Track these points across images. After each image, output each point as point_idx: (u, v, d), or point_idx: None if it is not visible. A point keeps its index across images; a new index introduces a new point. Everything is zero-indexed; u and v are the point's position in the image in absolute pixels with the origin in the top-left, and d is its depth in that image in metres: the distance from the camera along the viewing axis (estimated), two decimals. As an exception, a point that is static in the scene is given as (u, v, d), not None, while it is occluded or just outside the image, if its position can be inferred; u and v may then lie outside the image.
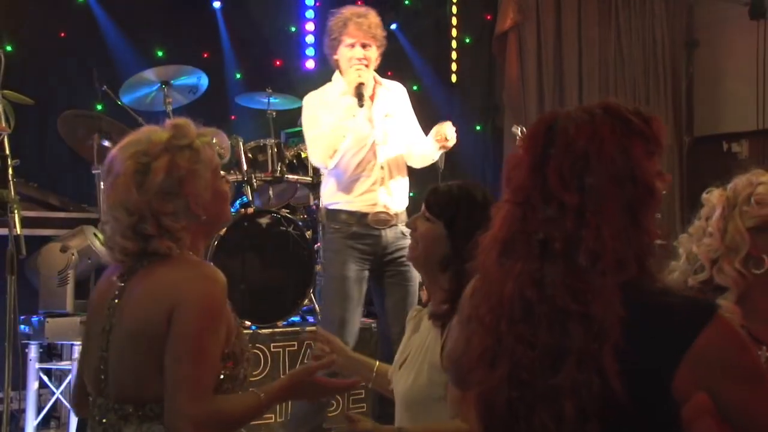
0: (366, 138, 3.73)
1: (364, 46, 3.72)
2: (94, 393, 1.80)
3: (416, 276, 3.75)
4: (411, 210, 3.90)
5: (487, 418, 1.37)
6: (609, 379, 1.25)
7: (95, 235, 4.28)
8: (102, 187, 1.87)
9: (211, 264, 1.90)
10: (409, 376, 2.14)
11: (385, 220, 3.73)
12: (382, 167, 3.76)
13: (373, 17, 3.75)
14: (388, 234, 3.75)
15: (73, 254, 4.12)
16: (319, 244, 4.96)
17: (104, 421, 1.75)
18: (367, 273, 3.74)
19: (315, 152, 3.75)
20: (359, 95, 3.63)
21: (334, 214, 3.76)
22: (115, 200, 1.75)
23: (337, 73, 3.87)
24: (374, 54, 3.77)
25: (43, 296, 4.12)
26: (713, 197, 1.85)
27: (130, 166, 1.74)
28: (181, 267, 1.76)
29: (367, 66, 3.72)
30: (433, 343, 2.10)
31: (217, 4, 5.78)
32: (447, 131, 3.69)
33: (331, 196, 3.80)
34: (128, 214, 1.73)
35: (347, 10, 3.76)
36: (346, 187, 3.73)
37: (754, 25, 6.92)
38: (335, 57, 3.80)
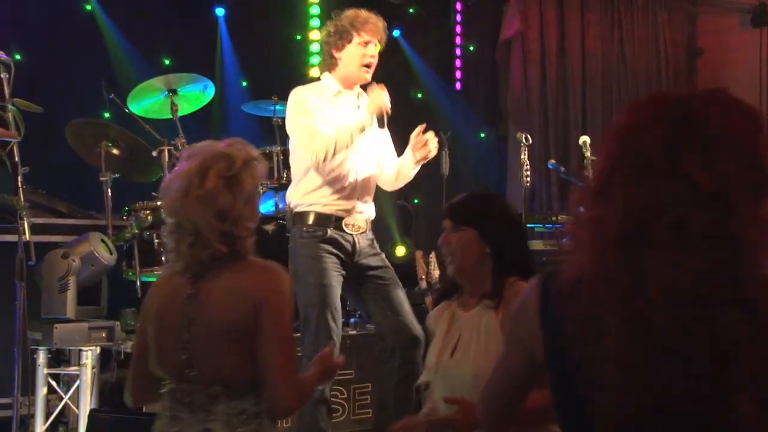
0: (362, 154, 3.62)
1: (376, 45, 3.63)
2: (176, 379, 2.01)
3: (393, 276, 3.67)
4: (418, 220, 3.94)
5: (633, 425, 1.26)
6: None
7: (103, 241, 4.30)
8: (170, 201, 2.00)
9: (277, 264, 2.10)
10: (477, 357, 2.21)
11: (359, 226, 3.62)
12: (360, 172, 3.62)
13: (384, 23, 3.68)
14: (361, 240, 3.63)
15: (74, 261, 4.13)
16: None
17: (190, 402, 1.98)
18: (342, 280, 3.57)
19: (315, 148, 3.47)
20: (381, 117, 3.48)
21: (305, 216, 3.55)
22: (204, 209, 1.96)
23: (327, 75, 3.68)
24: (377, 59, 3.68)
25: (45, 302, 4.15)
26: None
27: (217, 179, 1.97)
28: (257, 269, 2.04)
29: (370, 68, 3.62)
30: (493, 323, 2.23)
31: (220, 11, 5.82)
32: (429, 138, 3.56)
33: (302, 197, 3.59)
34: (220, 221, 1.97)
35: (362, 11, 3.65)
36: (323, 189, 3.54)
37: (757, 34, 6.96)
38: (337, 55, 3.62)
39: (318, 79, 3.79)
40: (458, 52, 6.91)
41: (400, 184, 3.81)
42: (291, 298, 2.06)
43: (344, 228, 3.55)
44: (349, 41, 3.59)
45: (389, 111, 3.49)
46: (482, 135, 6.98)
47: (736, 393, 1.20)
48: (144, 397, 2.20)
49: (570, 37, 6.92)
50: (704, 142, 1.29)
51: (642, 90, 7.08)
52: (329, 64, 3.65)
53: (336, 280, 3.51)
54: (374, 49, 3.61)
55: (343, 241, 3.56)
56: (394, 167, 3.73)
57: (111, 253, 4.29)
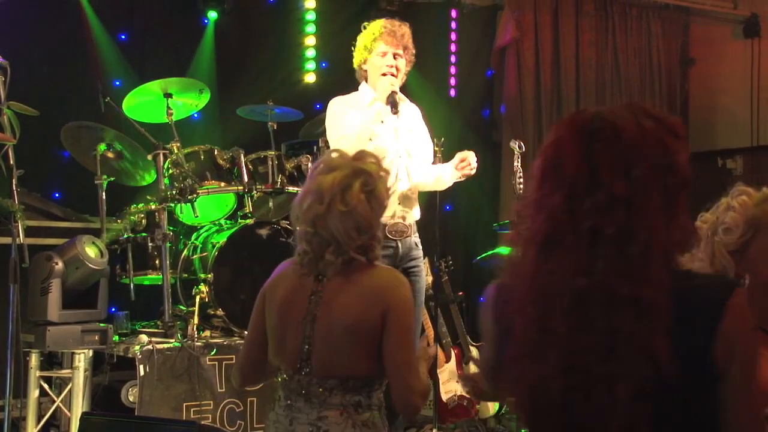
0: (388, 149, 3.72)
1: (395, 56, 3.76)
2: (293, 370, 2.14)
3: (422, 287, 3.81)
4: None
5: (540, 408, 1.43)
6: (661, 359, 1.31)
7: (95, 244, 4.29)
8: (310, 212, 2.13)
9: (398, 271, 2.33)
10: None
11: (402, 231, 3.75)
12: (400, 179, 3.75)
13: (406, 29, 3.81)
14: (403, 245, 3.76)
15: (56, 263, 4.12)
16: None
17: (307, 392, 2.11)
18: None
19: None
20: (393, 102, 3.64)
21: None
22: (347, 224, 2.08)
23: (364, 84, 3.89)
24: (403, 66, 3.82)
25: (30, 305, 4.14)
26: (701, 224, 1.94)
27: (361, 195, 2.09)
28: (383, 274, 2.19)
29: (395, 75, 3.75)
30: None
31: (212, 16, 5.83)
32: (472, 159, 3.75)
33: None
34: (360, 234, 2.10)
35: (381, 21, 3.81)
36: None
37: (749, 44, 7.02)
38: (364, 68, 3.82)
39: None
40: (453, 59, 6.93)
41: (440, 188, 4.04)
42: (412, 306, 2.20)
43: (387, 234, 3.63)
44: (369, 52, 3.77)
45: (396, 92, 3.67)
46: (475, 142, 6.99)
47: (617, 383, 1.34)
48: (251, 379, 2.38)
49: (564, 46, 6.96)
50: (617, 152, 1.40)
51: (635, 98, 7.11)
52: (361, 75, 3.87)
53: None
54: (392, 60, 3.76)
55: (386, 248, 3.67)
56: (432, 173, 3.91)
57: (102, 256, 4.27)
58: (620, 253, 1.37)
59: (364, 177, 2.11)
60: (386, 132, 3.71)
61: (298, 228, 2.18)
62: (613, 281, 1.37)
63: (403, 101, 3.86)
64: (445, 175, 3.89)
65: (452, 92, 6.95)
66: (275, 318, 2.21)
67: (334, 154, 2.19)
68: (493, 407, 4.99)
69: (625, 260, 1.37)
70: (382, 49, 3.74)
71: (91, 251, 4.22)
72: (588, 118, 1.46)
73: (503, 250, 5.83)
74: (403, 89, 6.74)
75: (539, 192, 1.47)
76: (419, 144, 3.91)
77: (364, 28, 3.83)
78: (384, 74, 3.73)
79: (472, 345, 5.18)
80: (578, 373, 1.37)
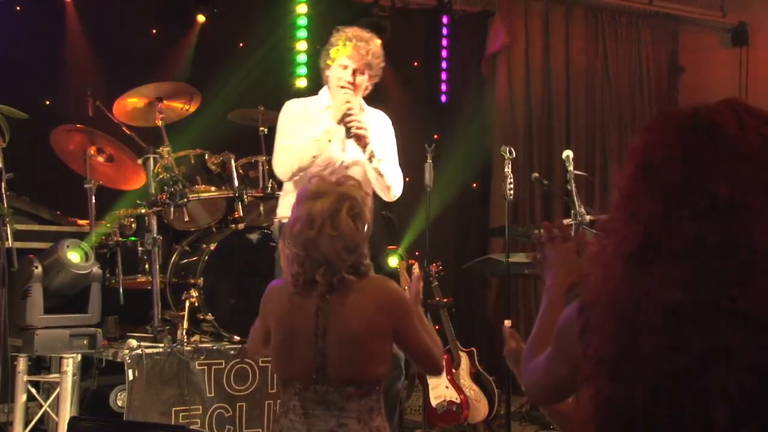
0: (335, 161, 3.57)
1: (355, 72, 3.60)
2: (307, 381, 2.28)
3: None
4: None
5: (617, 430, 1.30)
6: (758, 369, 1.20)
7: (80, 247, 4.25)
8: (303, 237, 2.30)
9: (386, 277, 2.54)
10: None
11: None
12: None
13: (374, 45, 3.63)
14: None
15: (36, 267, 4.10)
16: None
17: (324, 401, 2.26)
18: None
19: (279, 163, 3.63)
20: (347, 127, 3.51)
21: None
22: (337, 246, 2.25)
23: (325, 88, 3.78)
24: (365, 82, 3.65)
25: (12, 309, 4.12)
26: None
27: (348, 219, 2.27)
28: (380, 284, 2.39)
29: (354, 92, 3.59)
30: None
31: (201, 18, 5.83)
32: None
33: (286, 210, 3.43)
34: (350, 254, 2.27)
35: (351, 31, 3.64)
36: None
37: (737, 52, 7.06)
38: (327, 73, 3.70)
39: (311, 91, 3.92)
40: (444, 65, 6.95)
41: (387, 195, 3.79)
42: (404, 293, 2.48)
43: None
44: (332, 61, 3.63)
45: (353, 122, 3.50)
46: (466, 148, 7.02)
47: (714, 405, 1.22)
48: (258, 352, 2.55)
49: (554, 53, 6.99)
50: (719, 152, 1.28)
51: (624, 106, 7.16)
52: (324, 78, 3.73)
53: None
54: (350, 75, 3.58)
55: None
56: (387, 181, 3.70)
57: (87, 260, 4.23)
58: (725, 263, 1.24)
59: (349, 202, 2.28)
60: (334, 148, 3.59)
61: (288, 251, 2.32)
62: (715, 294, 1.23)
63: (364, 112, 3.69)
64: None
65: (443, 98, 6.96)
66: (279, 337, 2.37)
67: (315, 180, 2.33)
68: (482, 412, 5.00)
69: (730, 270, 1.23)
70: (343, 62, 3.58)
71: (73, 255, 4.18)
72: (684, 116, 1.33)
73: (495, 255, 5.85)
74: (393, 92, 6.80)
75: (629, 200, 1.34)
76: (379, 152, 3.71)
77: (336, 30, 3.68)
78: (341, 86, 3.58)
79: (462, 350, 5.19)
80: (668, 396, 1.25)
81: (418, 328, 2.36)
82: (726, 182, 1.26)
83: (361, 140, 3.55)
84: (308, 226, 2.26)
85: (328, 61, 3.64)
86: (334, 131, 3.53)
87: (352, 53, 3.58)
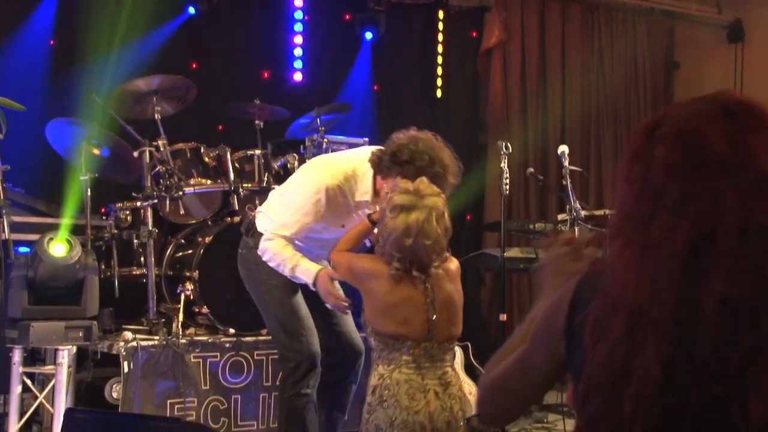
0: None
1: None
2: (420, 340, 2.76)
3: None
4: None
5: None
6: None
7: (68, 240, 4.22)
8: (396, 244, 2.76)
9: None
10: None
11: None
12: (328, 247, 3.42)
13: (449, 177, 3.09)
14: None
15: (18, 259, 4.10)
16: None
17: (432, 355, 2.78)
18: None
19: (271, 254, 3.32)
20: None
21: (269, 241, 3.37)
22: (429, 252, 2.77)
23: (370, 178, 3.24)
24: None
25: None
26: None
27: (437, 227, 2.76)
28: (453, 262, 2.98)
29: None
30: None
31: (191, 10, 5.83)
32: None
33: (273, 233, 3.38)
34: (438, 256, 2.81)
35: (429, 153, 3.05)
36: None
37: (732, 49, 7.08)
38: (386, 174, 3.11)
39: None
40: (439, 60, 6.96)
41: None
42: None
43: None
44: (398, 175, 3.04)
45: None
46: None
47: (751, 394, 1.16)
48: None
49: (550, 48, 7.00)
50: (765, 129, 1.22)
51: (620, 101, 7.18)
52: (380, 168, 3.16)
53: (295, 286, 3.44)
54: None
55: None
56: None
57: (70, 252, 4.19)
58: None
59: (436, 212, 2.74)
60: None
61: (384, 249, 2.77)
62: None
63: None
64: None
65: (438, 93, 6.97)
66: (389, 306, 2.80)
67: (405, 195, 2.75)
68: (476, 405, 5.01)
69: None
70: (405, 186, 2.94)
71: (55, 247, 4.16)
72: (720, 98, 1.28)
73: (490, 250, 5.87)
74: (389, 87, 6.81)
75: (664, 189, 1.22)
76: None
77: (416, 141, 3.10)
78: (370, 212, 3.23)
79: (457, 345, 5.20)
80: (717, 402, 1.17)
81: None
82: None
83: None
84: (405, 235, 2.71)
85: (392, 170, 3.08)
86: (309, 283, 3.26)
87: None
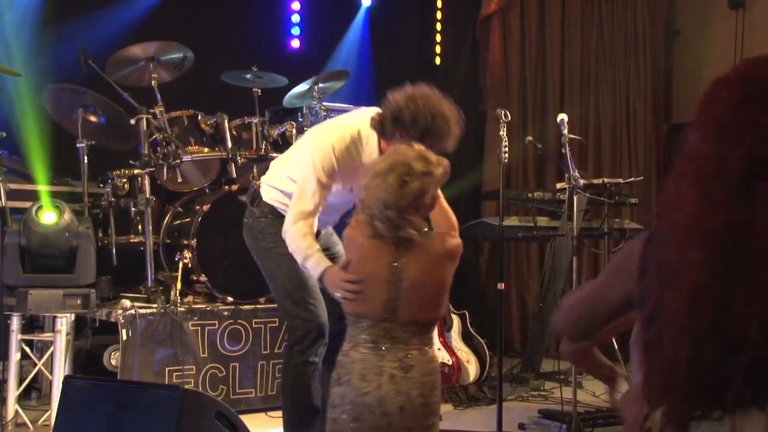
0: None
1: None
2: (376, 320, 2.62)
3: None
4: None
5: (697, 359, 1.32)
6: None
7: (57, 207, 4.18)
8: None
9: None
10: None
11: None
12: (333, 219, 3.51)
13: (454, 134, 3.16)
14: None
15: (10, 227, 4.08)
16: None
17: (388, 336, 2.61)
18: None
19: (292, 237, 3.17)
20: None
21: (276, 212, 3.38)
22: (376, 195, 2.60)
23: (371, 132, 3.21)
24: None
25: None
26: None
27: (396, 180, 2.57)
28: (440, 238, 2.76)
29: None
30: None
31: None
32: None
33: (280, 203, 3.39)
34: (387, 208, 2.58)
35: (443, 121, 3.10)
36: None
37: (733, 15, 7.01)
38: (392, 139, 3.10)
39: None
40: (438, 27, 6.90)
41: None
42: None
43: None
44: (408, 138, 3.05)
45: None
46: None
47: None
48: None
49: (550, 15, 6.94)
50: None
51: (619, 69, 7.12)
52: (383, 132, 3.14)
53: None
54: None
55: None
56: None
57: (59, 220, 4.15)
58: None
59: (406, 168, 2.61)
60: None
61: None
62: None
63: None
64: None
65: (437, 60, 6.92)
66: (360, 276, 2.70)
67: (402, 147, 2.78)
68: (474, 374, 5.04)
69: None
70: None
71: (45, 215, 4.13)
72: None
73: (488, 219, 5.87)
74: (387, 54, 6.76)
75: (734, 121, 1.35)
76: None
77: (419, 101, 3.10)
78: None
79: (454, 313, 5.22)
80: None
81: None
82: None
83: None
84: (365, 176, 2.66)
85: (403, 137, 3.06)
86: (315, 272, 3.08)
87: (436, 145, 3.06)
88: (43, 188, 4.58)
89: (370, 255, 2.67)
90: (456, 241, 2.81)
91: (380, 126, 3.13)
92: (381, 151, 3.20)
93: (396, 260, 2.64)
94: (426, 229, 2.70)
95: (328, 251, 3.41)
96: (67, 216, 4.16)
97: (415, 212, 2.64)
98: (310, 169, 3.19)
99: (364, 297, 2.67)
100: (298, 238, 3.16)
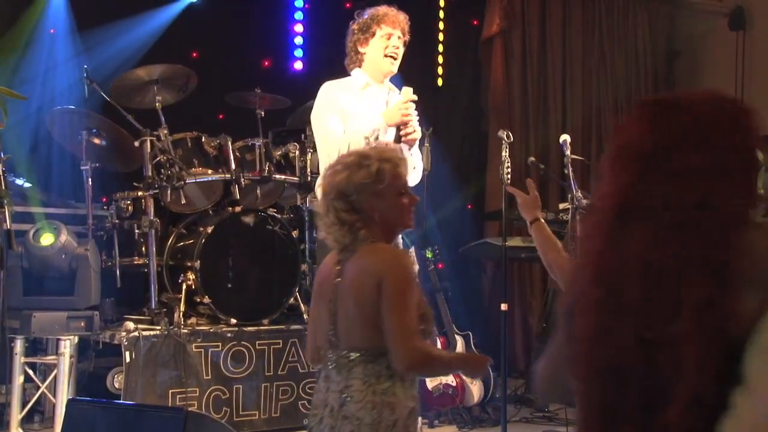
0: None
1: (399, 39, 3.79)
2: (326, 347, 2.38)
3: None
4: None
5: (610, 387, 1.43)
6: (729, 317, 1.33)
7: (55, 229, 4.19)
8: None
9: (400, 249, 2.51)
10: None
11: None
12: None
13: (404, 15, 3.84)
14: None
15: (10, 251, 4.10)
16: (303, 244, 4.96)
17: (335, 366, 2.35)
18: None
19: (329, 149, 3.60)
20: (399, 134, 3.64)
21: None
22: (332, 181, 2.39)
23: (357, 70, 3.83)
24: (401, 52, 3.83)
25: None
26: None
27: (354, 161, 2.37)
28: (380, 251, 2.36)
29: (396, 58, 3.79)
30: None
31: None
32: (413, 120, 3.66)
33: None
34: (338, 198, 2.36)
35: (382, 6, 3.83)
36: None
37: (734, 36, 7.05)
38: (362, 51, 3.79)
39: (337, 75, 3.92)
40: (440, 48, 6.93)
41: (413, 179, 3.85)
42: (408, 275, 2.36)
43: None
44: (372, 35, 3.77)
45: (406, 130, 3.63)
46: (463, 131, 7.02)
47: (683, 345, 1.35)
48: (316, 359, 2.51)
49: (551, 36, 6.98)
50: (688, 125, 1.44)
51: (621, 89, 7.15)
52: (356, 60, 3.82)
53: None
54: (397, 41, 3.79)
55: None
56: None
57: (55, 242, 4.17)
58: (698, 221, 1.39)
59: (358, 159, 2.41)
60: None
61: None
62: (693, 247, 1.38)
63: (393, 91, 3.86)
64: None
65: (440, 81, 6.95)
66: (314, 305, 2.53)
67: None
68: (477, 395, 5.02)
69: (705, 227, 1.38)
70: (387, 31, 3.76)
71: (42, 237, 4.15)
72: (653, 99, 1.53)
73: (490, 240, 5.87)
74: (390, 79, 6.78)
75: (611, 174, 1.51)
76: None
77: (357, 16, 3.82)
78: (386, 56, 3.76)
79: (458, 334, 5.21)
80: (649, 345, 1.38)
81: (397, 307, 2.27)
82: (694, 152, 1.42)
83: (409, 142, 3.66)
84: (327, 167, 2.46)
85: (365, 38, 3.78)
86: (382, 128, 3.61)
87: (392, 20, 3.77)
88: (40, 210, 4.60)
89: (323, 271, 2.49)
90: (389, 255, 2.39)
91: (352, 57, 3.76)
92: (360, 60, 3.77)
93: (339, 275, 2.39)
94: (371, 241, 2.37)
95: None
96: (63, 237, 4.17)
97: (374, 198, 2.36)
98: (325, 116, 3.64)
99: (316, 321, 2.47)
100: (337, 140, 3.52)
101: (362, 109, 3.69)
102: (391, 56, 3.76)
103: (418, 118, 3.71)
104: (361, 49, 3.80)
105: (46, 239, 4.15)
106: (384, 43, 3.76)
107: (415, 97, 3.68)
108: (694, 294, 1.36)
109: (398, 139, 3.62)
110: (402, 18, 3.81)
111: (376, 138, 3.57)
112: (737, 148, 1.43)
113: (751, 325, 1.33)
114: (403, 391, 2.32)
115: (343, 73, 4.00)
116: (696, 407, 1.34)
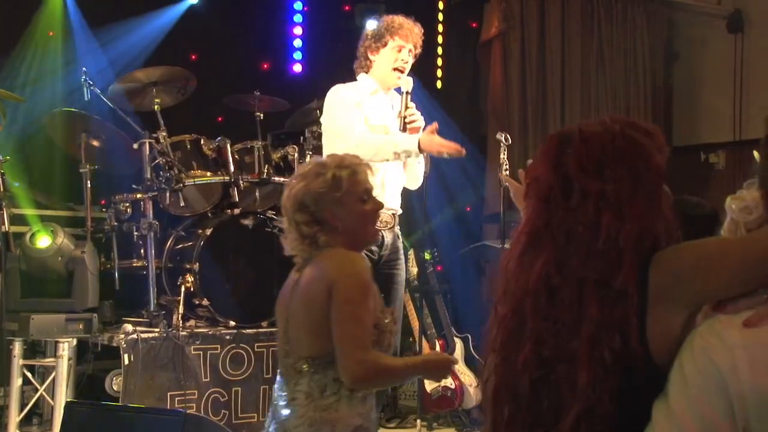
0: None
1: (408, 52, 3.80)
2: (282, 356, 2.31)
3: (403, 280, 3.77)
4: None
5: (511, 403, 1.49)
6: (630, 334, 1.39)
7: (52, 232, 4.19)
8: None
9: (357, 254, 2.34)
10: None
11: (386, 221, 3.67)
12: (386, 169, 3.71)
13: (419, 28, 3.85)
14: (388, 235, 3.70)
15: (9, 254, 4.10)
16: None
17: (285, 376, 2.28)
18: None
19: (365, 152, 3.34)
20: (403, 126, 3.70)
21: None
22: (295, 199, 2.30)
23: (363, 75, 3.86)
24: (411, 62, 3.86)
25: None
26: (732, 200, 1.92)
27: (311, 171, 2.31)
28: (334, 256, 2.24)
29: (403, 72, 3.80)
30: None
31: (193, 0, 5.82)
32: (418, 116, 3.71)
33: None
34: (296, 210, 2.28)
35: (399, 17, 3.83)
36: None
37: (732, 39, 7.07)
38: (372, 58, 3.81)
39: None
40: (439, 51, 6.94)
41: (416, 182, 3.96)
42: (362, 280, 2.22)
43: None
44: (384, 45, 3.78)
45: (411, 118, 3.70)
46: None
47: (578, 362, 1.41)
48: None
49: (550, 39, 6.98)
50: (586, 154, 1.51)
51: (619, 92, 7.16)
52: (365, 65, 3.84)
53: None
54: (407, 55, 3.81)
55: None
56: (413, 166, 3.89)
57: (51, 244, 4.17)
58: (591, 247, 1.46)
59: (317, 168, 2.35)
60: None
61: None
62: (583, 271, 1.45)
63: (395, 97, 3.86)
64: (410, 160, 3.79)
65: (438, 84, 6.96)
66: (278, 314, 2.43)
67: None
68: (477, 397, 5.02)
69: (595, 252, 1.45)
70: (399, 44, 3.76)
71: (38, 239, 4.15)
72: (561, 131, 1.59)
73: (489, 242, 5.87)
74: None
75: (526, 205, 1.60)
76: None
77: (378, 19, 3.90)
78: (395, 69, 3.76)
79: (456, 336, 5.22)
80: (546, 365, 1.45)
81: (346, 316, 2.17)
82: (594, 181, 1.48)
83: (413, 131, 3.71)
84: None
85: (376, 46, 3.79)
86: (414, 151, 3.62)
87: (406, 33, 3.78)
88: (35, 212, 4.61)
89: (288, 280, 2.39)
90: (342, 260, 2.26)
91: (361, 62, 3.78)
92: (369, 64, 3.79)
93: (297, 282, 2.31)
94: (330, 247, 2.27)
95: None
96: (60, 240, 4.18)
97: (334, 206, 2.26)
98: (342, 115, 3.67)
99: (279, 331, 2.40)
100: (368, 138, 3.51)
101: (374, 112, 3.72)
102: (398, 69, 3.77)
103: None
104: (371, 57, 3.81)
105: (43, 241, 4.15)
106: (394, 56, 3.78)
107: (411, 86, 3.76)
108: (591, 314, 1.42)
109: (403, 128, 3.63)
110: (417, 31, 3.82)
111: (407, 155, 3.61)
112: (637, 171, 1.48)
113: (677, 342, 1.37)
114: (349, 407, 2.20)
115: (342, 75, 4.01)
116: (586, 424, 1.38)
